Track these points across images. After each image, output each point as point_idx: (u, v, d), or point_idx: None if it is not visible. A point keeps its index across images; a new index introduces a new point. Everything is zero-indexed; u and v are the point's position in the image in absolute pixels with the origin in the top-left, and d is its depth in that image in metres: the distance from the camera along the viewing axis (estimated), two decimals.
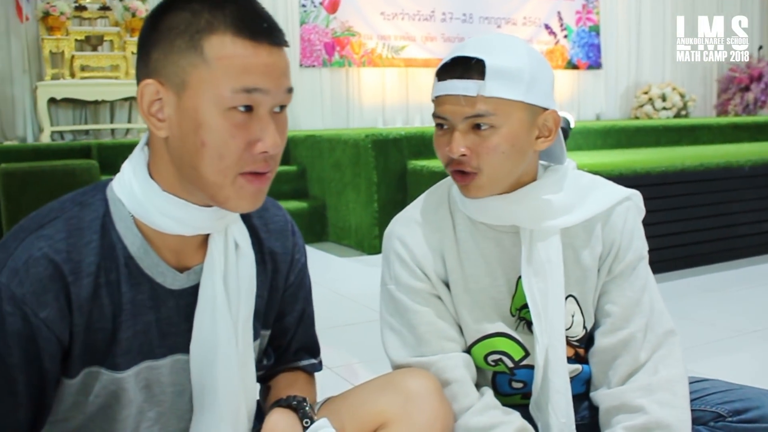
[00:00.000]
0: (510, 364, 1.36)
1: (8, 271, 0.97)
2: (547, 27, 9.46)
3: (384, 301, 1.38)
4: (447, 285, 1.34)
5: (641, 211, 1.39)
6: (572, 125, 3.47)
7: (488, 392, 1.33)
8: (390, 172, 4.65)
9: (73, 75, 6.54)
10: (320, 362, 1.37)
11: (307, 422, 1.16)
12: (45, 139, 6.37)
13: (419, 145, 4.75)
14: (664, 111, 9.52)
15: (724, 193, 4.14)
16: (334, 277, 4.05)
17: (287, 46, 1.04)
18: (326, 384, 1.40)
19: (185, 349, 1.11)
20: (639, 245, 1.36)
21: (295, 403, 1.18)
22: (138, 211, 1.04)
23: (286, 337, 1.30)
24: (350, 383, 2.27)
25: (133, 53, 6.68)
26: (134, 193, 1.04)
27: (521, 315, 1.35)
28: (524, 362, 1.36)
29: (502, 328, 1.34)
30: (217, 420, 1.12)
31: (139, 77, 1.02)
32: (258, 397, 1.26)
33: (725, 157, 4.28)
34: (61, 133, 6.74)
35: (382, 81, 8.58)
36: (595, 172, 1.40)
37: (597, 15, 9.85)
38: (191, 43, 0.98)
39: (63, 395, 1.05)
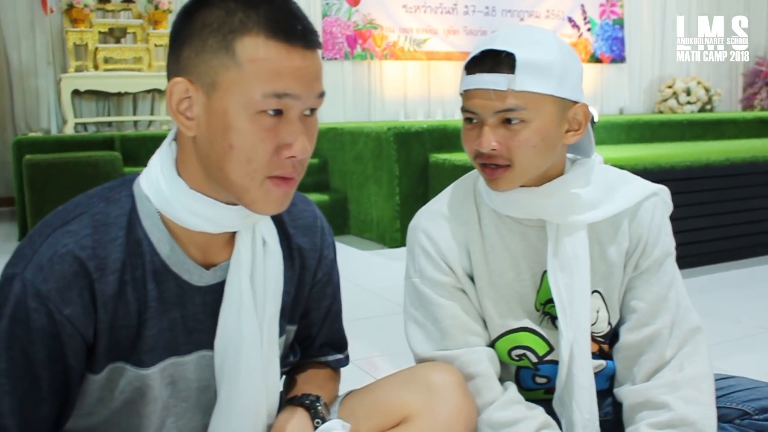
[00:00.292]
0: (534, 359, 1.35)
1: (33, 267, 0.97)
2: (570, 20, 9.39)
3: (408, 294, 1.38)
4: (472, 279, 1.34)
5: (669, 207, 1.38)
6: (595, 119, 3.45)
7: (512, 387, 1.33)
8: (412, 165, 4.64)
9: (96, 67, 6.58)
10: (346, 357, 1.36)
11: (318, 422, 1.15)
12: (69, 130, 6.42)
13: (441, 138, 4.74)
14: (689, 105, 9.42)
15: (750, 188, 4.09)
16: (355, 270, 4.05)
17: (321, 48, 1.02)
18: (346, 376, 1.40)
19: (210, 346, 1.11)
20: (666, 241, 1.35)
21: (307, 402, 1.18)
22: (165, 208, 1.04)
23: (312, 332, 1.30)
24: (371, 376, 2.27)
25: (156, 45, 6.72)
26: (161, 189, 1.04)
27: (545, 310, 1.34)
28: (548, 357, 1.35)
29: (526, 323, 1.34)
30: (237, 416, 1.11)
31: (170, 74, 1.01)
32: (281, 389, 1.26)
33: (751, 152, 4.23)
34: (84, 125, 6.79)
35: (403, 74, 8.57)
36: (619, 167, 1.39)
37: (621, 8, 9.77)
38: (223, 43, 0.96)
39: (88, 390, 1.05)
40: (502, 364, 1.36)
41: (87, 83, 6.50)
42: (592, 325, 1.33)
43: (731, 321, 3.00)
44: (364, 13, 8.25)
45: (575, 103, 1.25)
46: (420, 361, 1.34)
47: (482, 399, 1.29)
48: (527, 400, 1.33)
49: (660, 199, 1.36)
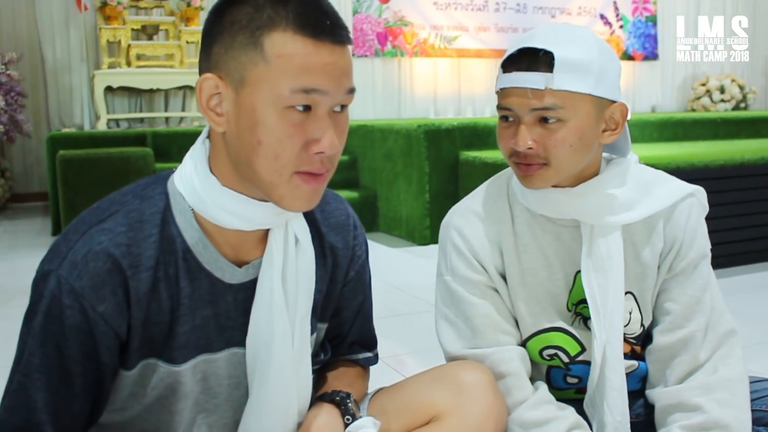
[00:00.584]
0: (565, 359, 1.34)
1: (68, 264, 0.97)
2: (602, 17, 9.31)
3: (440, 291, 1.37)
4: (504, 278, 1.33)
5: (705, 209, 1.35)
6: (628, 117, 3.41)
7: (543, 386, 1.32)
8: (442, 162, 4.63)
9: (129, 64, 6.65)
10: (376, 356, 1.36)
11: (348, 419, 1.15)
12: (101, 126, 6.50)
13: (471, 135, 4.72)
14: (722, 103, 9.29)
15: None
16: (384, 267, 4.05)
17: (351, 43, 1.01)
18: (374, 374, 1.40)
19: (242, 343, 1.11)
20: (702, 243, 1.33)
21: (338, 398, 1.18)
22: (198, 206, 1.04)
23: (342, 330, 1.30)
24: (399, 373, 2.27)
25: (188, 42, 6.78)
26: (194, 187, 1.04)
27: (578, 310, 1.33)
28: (580, 358, 1.34)
29: (558, 323, 1.33)
30: (268, 413, 1.11)
31: (201, 70, 1.02)
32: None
33: None
34: (117, 121, 6.88)
35: (434, 71, 8.55)
36: (652, 166, 1.38)
37: (654, 5, 9.66)
38: (252, 39, 0.96)
39: (120, 386, 1.06)
40: (533, 363, 1.36)
41: (120, 80, 6.58)
42: (625, 326, 1.32)
43: (765, 323, 2.95)
44: (394, 10, 8.24)
45: (613, 102, 1.24)
46: (450, 359, 1.34)
47: (513, 398, 1.28)
48: (558, 399, 1.32)
49: (696, 200, 1.34)
